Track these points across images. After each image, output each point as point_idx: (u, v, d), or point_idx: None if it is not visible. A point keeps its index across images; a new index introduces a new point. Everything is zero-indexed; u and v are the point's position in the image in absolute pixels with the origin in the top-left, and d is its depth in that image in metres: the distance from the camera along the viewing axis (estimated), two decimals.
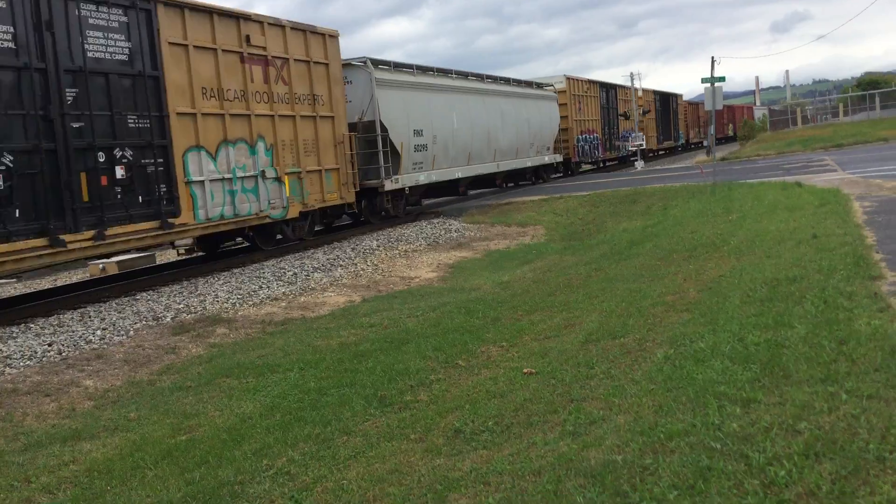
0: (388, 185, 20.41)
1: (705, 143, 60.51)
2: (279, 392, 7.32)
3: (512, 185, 31.71)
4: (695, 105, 66.09)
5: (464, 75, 25.85)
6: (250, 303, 12.37)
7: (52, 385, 8.33)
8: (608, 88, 40.86)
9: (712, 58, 29.36)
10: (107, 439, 6.57)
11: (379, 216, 21.27)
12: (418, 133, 21.92)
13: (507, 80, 29.30)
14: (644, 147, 42.56)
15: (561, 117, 33.92)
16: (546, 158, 32.20)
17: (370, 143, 20.01)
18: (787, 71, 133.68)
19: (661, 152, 54.50)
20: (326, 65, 18.02)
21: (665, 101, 54.44)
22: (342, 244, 18.19)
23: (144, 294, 12.91)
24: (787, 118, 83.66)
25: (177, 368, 8.91)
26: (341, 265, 15.60)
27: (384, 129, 20.06)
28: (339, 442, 5.76)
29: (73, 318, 11.23)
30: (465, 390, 6.55)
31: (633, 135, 42.23)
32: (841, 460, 3.77)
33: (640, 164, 39.79)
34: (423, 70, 23.35)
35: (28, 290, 16.58)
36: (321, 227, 19.88)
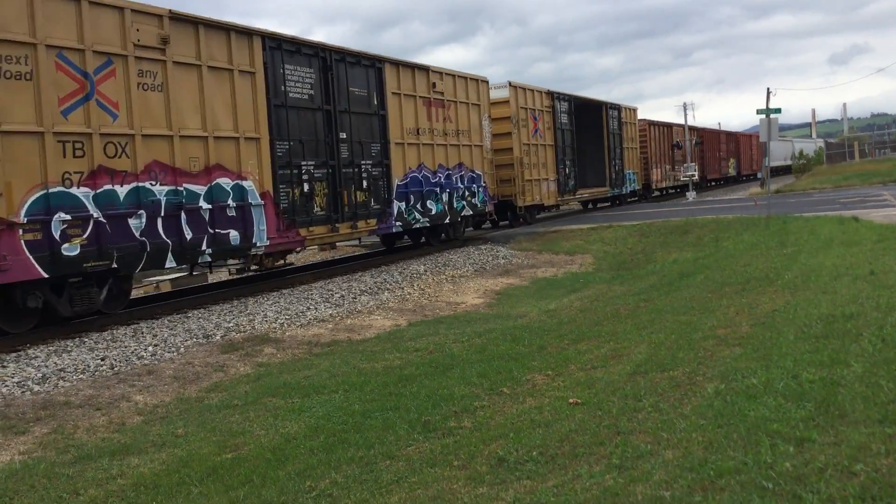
0: None
1: (758, 175, 58.89)
2: (324, 413, 7.34)
3: None
4: (666, 128, 43.57)
5: None
6: (298, 323, 12.48)
7: (103, 399, 8.49)
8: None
9: (768, 89, 28.93)
10: (154, 454, 6.65)
11: None
12: None
13: None
14: (696, 178, 41.81)
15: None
16: None
17: None
18: (844, 104, 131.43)
19: (563, 206, 32.33)
20: None
21: (590, 116, 32.82)
22: (389, 268, 18.28)
23: (196, 312, 13.12)
24: (845, 151, 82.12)
25: (224, 386, 9.01)
26: (388, 289, 15.67)
27: None
28: (382, 466, 5.75)
29: (125, 333, 11.46)
30: (510, 418, 6.49)
31: (686, 165, 41.80)
32: None
33: (691, 195, 39.33)
34: None
35: None
36: None
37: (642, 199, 40.29)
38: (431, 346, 10.22)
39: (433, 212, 20.24)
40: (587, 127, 32.79)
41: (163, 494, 5.66)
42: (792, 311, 8.34)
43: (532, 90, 27.12)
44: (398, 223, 18.63)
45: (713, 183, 54.26)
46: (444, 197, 20.82)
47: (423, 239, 22.13)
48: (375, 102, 17.87)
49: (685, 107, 49.77)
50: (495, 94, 24.60)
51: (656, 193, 43.25)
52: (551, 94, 28.59)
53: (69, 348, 10.52)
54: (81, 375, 9.35)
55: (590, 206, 37.06)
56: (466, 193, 22.08)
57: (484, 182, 23.15)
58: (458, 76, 21.83)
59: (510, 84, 25.36)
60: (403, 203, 18.85)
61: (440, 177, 20.60)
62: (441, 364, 8.97)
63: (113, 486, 5.93)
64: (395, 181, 18.50)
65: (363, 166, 17.42)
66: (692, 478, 4.29)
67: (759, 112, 22.85)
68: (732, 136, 61.64)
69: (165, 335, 11.32)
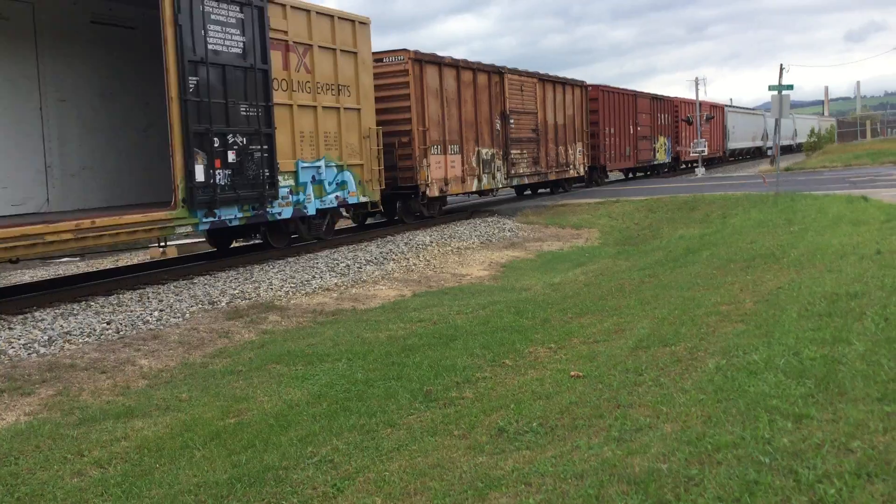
0: None
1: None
2: (327, 381, 7.40)
3: None
4: (467, 71, 21.57)
5: None
6: (303, 292, 12.53)
7: (108, 362, 8.56)
8: None
9: (780, 65, 28.62)
10: (158, 418, 6.72)
11: None
12: None
13: None
14: (705, 153, 40.68)
15: None
16: None
17: None
18: (858, 82, 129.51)
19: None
20: None
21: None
22: (395, 238, 18.29)
23: (201, 278, 13.17)
24: (856, 130, 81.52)
25: (229, 352, 9.08)
26: (393, 259, 15.69)
27: None
28: (383, 434, 5.80)
29: (132, 298, 11.52)
30: (511, 390, 6.53)
31: (696, 140, 41.34)
32: (894, 482, 3.66)
33: (700, 171, 39.11)
34: None
35: (90, 269, 17.05)
36: None
37: (393, 220, 21.02)
38: (435, 317, 10.25)
39: None
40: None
41: (166, 457, 5.72)
42: (796, 289, 8.34)
43: None
44: None
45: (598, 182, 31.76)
46: None
47: None
48: None
49: (697, 82, 48.42)
50: None
51: (438, 213, 21.31)
52: None
53: (75, 311, 10.59)
54: (87, 339, 9.42)
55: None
56: None
57: None
58: None
59: None
60: None
61: None
62: (444, 335, 9.01)
63: (117, 448, 6.00)
64: None
65: None
66: (690, 451, 4.32)
67: (770, 88, 22.66)
68: (666, 104, 39.80)
69: (171, 300, 11.38)
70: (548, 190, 29.26)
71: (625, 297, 10.23)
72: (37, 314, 10.41)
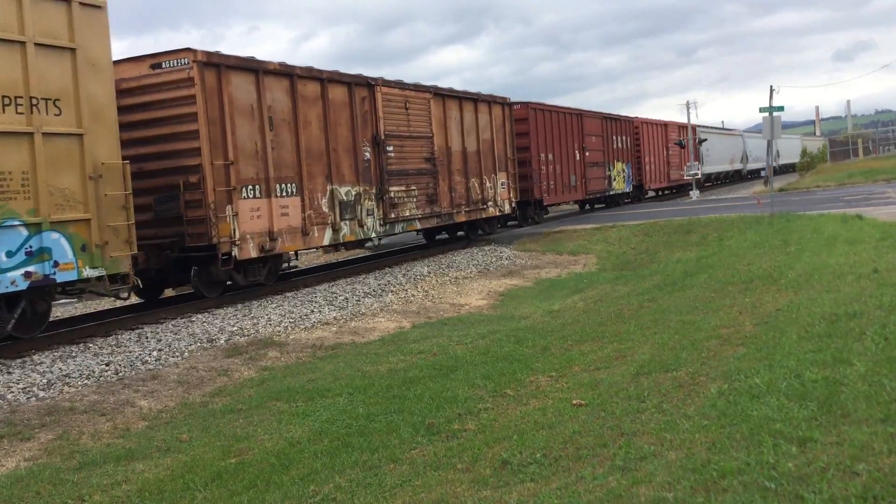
0: None
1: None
2: (328, 417, 7.35)
3: None
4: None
5: None
6: (302, 327, 12.50)
7: (108, 404, 8.51)
8: None
9: (770, 87, 28.82)
10: (159, 460, 6.67)
11: None
12: None
13: None
14: (699, 176, 40.96)
15: None
16: None
17: None
18: (848, 101, 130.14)
19: None
20: None
21: None
22: (393, 270, 18.28)
23: (200, 316, 13.14)
24: (849, 149, 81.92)
25: (229, 391, 9.03)
26: (392, 290, 15.68)
27: None
28: (386, 469, 5.76)
29: (130, 338, 11.48)
30: (514, 420, 6.50)
31: (690, 164, 41.49)
32: None
33: (695, 194, 39.25)
34: None
35: (88, 311, 17.00)
36: None
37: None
38: (435, 349, 10.22)
39: None
40: None
41: (168, 500, 5.67)
42: (795, 311, 8.33)
43: None
44: None
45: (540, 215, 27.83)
46: None
47: None
48: None
49: (688, 105, 48.67)
50: None
51: (267, 279, 15.13)
52: None
53: (74, 354, 10.55)
54: (86, 381, 9.37)
55: None
56: None
57: None
58: None
59: None
60: None
61: None
62: (445, 366, 8.97)
63: (118, 492, 5.94)
64: None
65: None
66: (695, 479, 4.29)
67: (761, 110, 22.85)
68: (623, 125, 34.99)
69: (170, 340, 11.34)
70: (462, 233, 23.62)
71: (624, 322, 10.21)
72: (35, 357, 10.37)
